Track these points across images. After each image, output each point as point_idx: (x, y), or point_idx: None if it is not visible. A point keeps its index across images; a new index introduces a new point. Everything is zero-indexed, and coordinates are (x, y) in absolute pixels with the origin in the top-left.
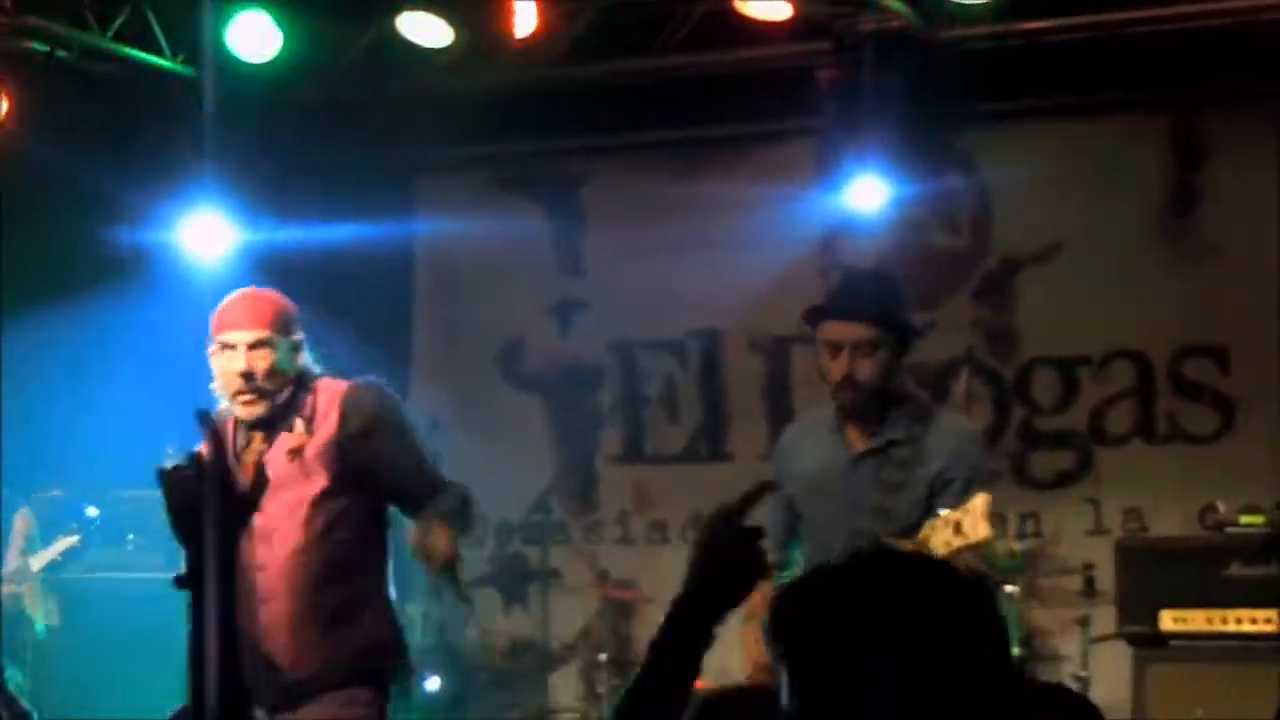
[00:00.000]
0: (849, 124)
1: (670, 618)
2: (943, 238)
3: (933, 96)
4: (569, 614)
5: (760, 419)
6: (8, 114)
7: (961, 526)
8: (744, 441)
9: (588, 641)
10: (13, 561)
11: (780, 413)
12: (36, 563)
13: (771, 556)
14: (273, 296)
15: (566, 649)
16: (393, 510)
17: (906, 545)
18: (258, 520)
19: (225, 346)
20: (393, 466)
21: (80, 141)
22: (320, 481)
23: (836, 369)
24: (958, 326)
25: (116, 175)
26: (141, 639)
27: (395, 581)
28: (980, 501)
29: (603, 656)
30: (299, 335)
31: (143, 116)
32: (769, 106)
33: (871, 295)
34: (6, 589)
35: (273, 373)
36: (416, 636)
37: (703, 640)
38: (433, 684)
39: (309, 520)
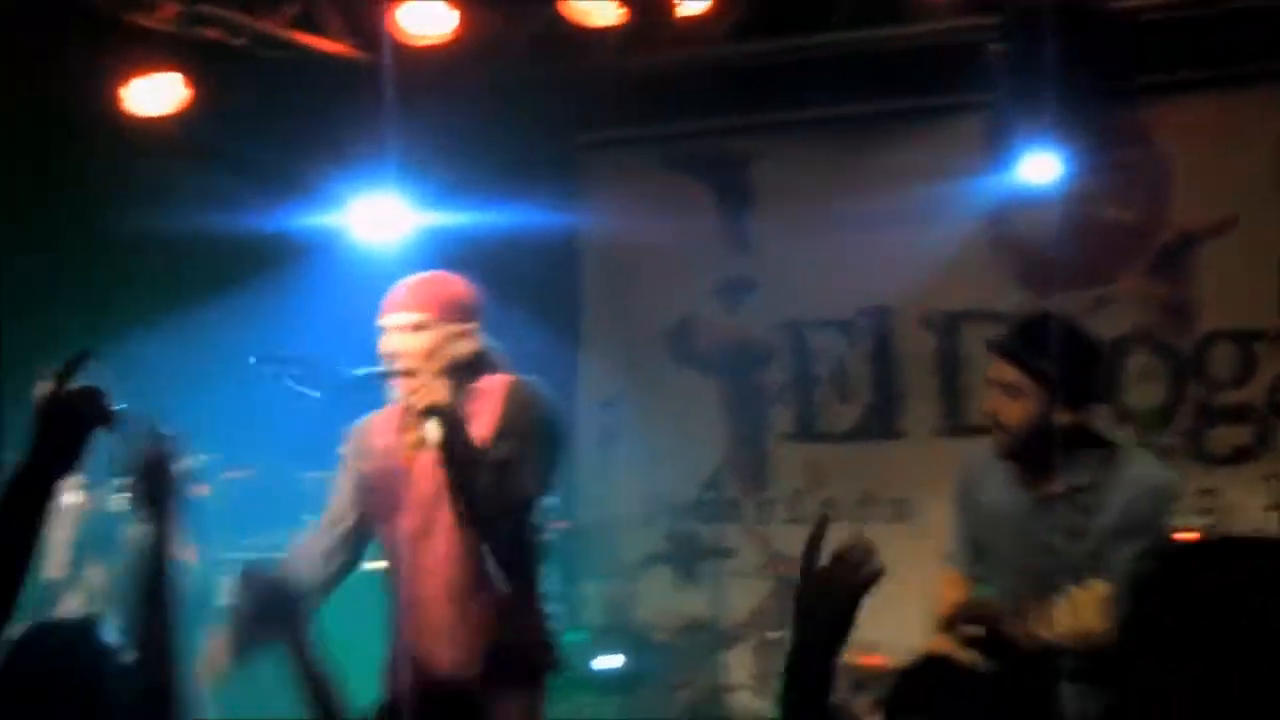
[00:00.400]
0: (1020, 98)
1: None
2: (1117, 212)
3: (1105, 69)
4: (742, 592)
5: (932, 396)
6: (189, 102)
7: (1076, 608)
8: (916, 419)
9: (761, 620)
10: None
11: (952, 390)
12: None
13: (965, 572)
14: (442, 281)
15: (739, 627)
16: (546, 501)
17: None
18: (417, 518)
19: (387, 329)
20: (514, 465)
21: (256, 128)
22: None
23: (987, 406)
24: (1132, 302)
25: (291, 161)
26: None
27: (569, 562)
28: (1095, 592)
29: (775, 635)
30: (468, 324)
31: (315, 101)
32: (939, 81)
33: (1032, 338)
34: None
35: (430, 354)
36: (592, 615)
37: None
38: (607, 663)
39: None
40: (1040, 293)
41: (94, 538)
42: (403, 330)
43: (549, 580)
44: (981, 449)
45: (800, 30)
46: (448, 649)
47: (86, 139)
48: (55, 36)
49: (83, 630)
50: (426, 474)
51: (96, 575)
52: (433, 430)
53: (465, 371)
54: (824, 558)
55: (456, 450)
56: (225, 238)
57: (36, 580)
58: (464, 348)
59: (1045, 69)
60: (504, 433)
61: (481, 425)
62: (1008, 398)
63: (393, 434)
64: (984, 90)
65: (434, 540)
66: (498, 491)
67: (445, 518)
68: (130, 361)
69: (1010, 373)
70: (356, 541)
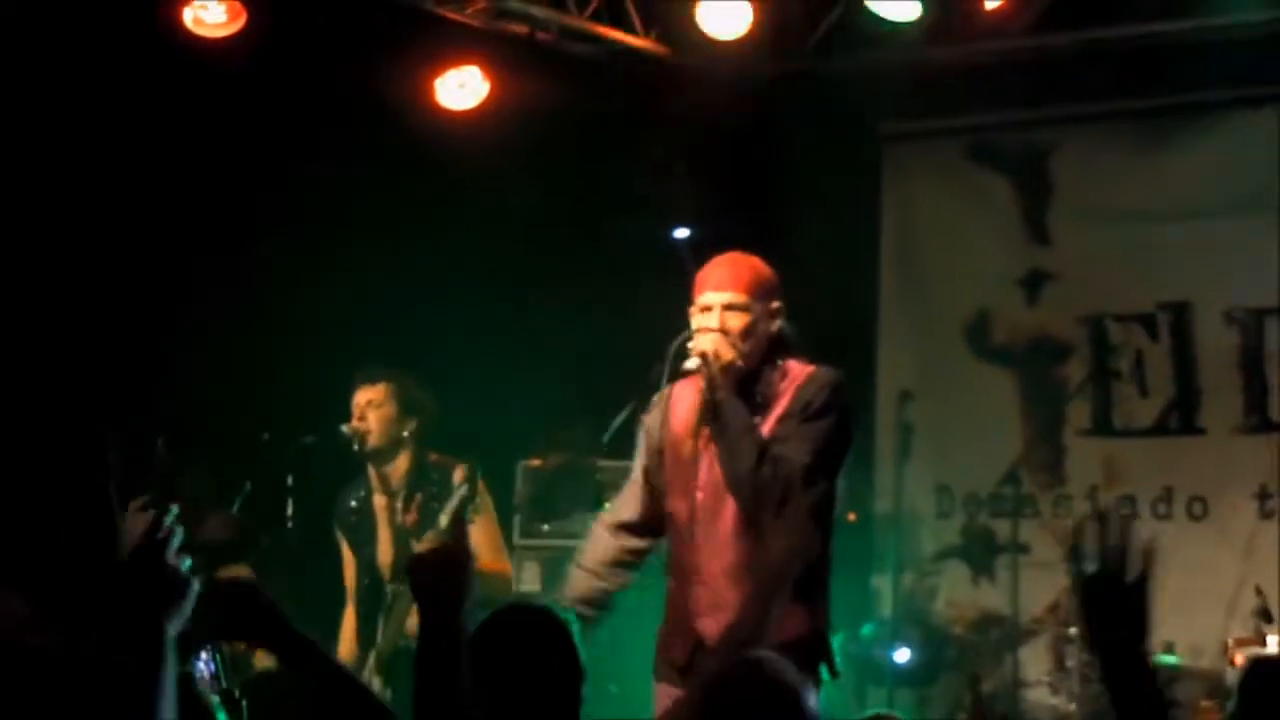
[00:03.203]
0: None
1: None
2: None
3: None
4: (1037, 588)
5: (1235, 392)
6: (490, 96)
7: None
8: (1217, 416)
9: (1057, 615)
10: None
11: (1255, 387)
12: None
13: None
14: (753, 262)
15: (1035, 622)
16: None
17: None
18: (706, 497)
19: (704, 308)
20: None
21: (558, 122)
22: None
23: None
24: None
25: (594, 157)
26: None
27: (864, 554)
28: None
29: (1072, 631)
30: (776, 303)
31: (617, 95)
32: (1242, 72)
33: None
34: None
35: (746, 333)
36: (886, 608)
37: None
38: (902, 655)
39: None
40: None
41: None
42: (719, 308)
43: (841, 571)
44: None
45: (1103, 21)
46: (726, 630)
47: (395, 134)
48: (367, 31)
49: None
50: (703, 454)
51: None
52: (693, 366)
53: (774, 350)
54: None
55: (721, 410)
56: (537, 233)
57: None
58: (773, 326)
59: None
60: (791, 413)
61: (779, 407)
62: None
63: (691, 411)
64: None
65: (720, 521)
66: (768, 466)
67: (733, 500)
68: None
69: None
70: (648, 524)
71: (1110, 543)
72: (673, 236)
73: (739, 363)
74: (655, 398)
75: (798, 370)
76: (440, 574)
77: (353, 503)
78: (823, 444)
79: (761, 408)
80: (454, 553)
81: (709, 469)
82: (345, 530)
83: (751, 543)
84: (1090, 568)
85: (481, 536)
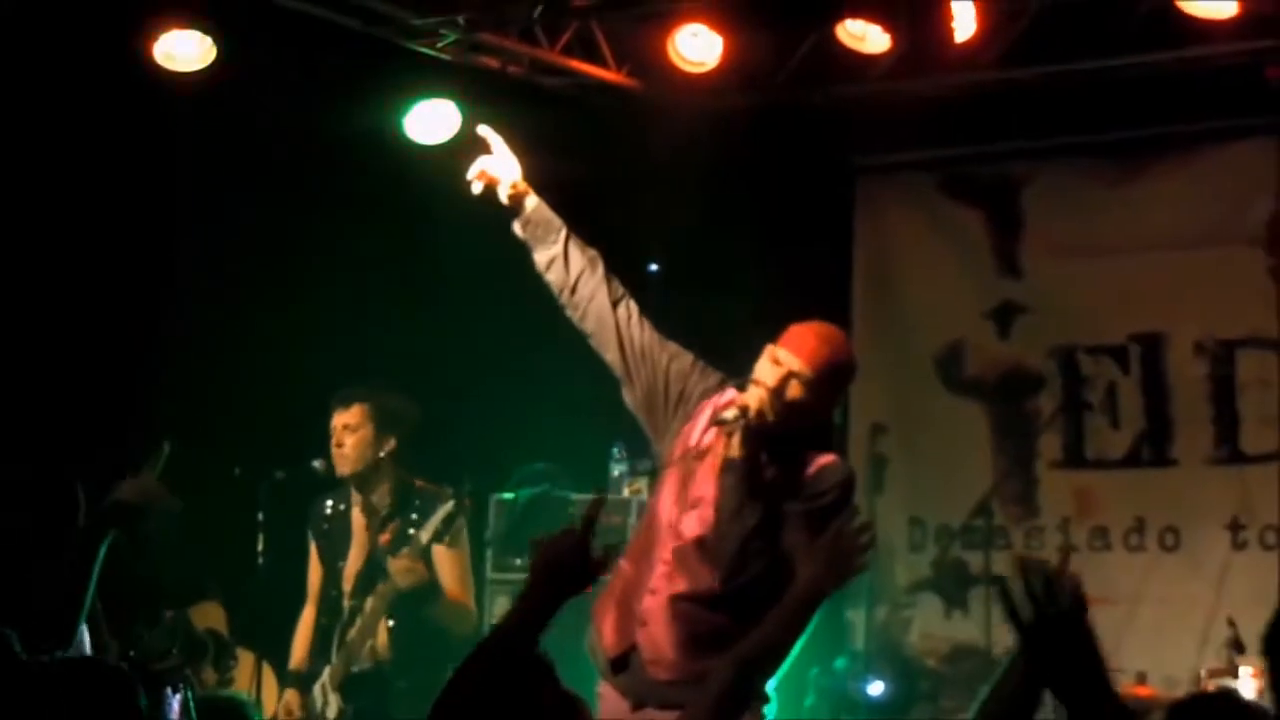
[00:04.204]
0: None
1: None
2: None
3: None
4: None
5: (1206, 424)
6: (463, 129)
7: None
8: (1189, 447)
9: None
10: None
11: (1226, 418)
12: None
13: None
14: (841, 346)
15: (1009, 654)
16: None
17: None
18: (679, 513)
19: (773, 360)
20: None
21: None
22: (750, 520)
23: None
24: None
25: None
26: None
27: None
28: None
29: None
30: (839, 394)
31: (589, 128)
32: (1213, 105)
33: None
34: None
35: (796, 405)
36: (859, 641)
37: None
38: (875, 688)
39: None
40: None
41: None
42: (792, 375)
43: None
44: None
45: (1074, 55)
46: (660, 647)
47: (367, 167)
48: (339, 65)
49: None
50: (709, 478)
51: None
52: (730, 417)
53: (812, 435)
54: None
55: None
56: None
57: None
58: (825, 414)
59: None
60: (800, 495)
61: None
62: None
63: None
64: (1260, 114)
65: (693, 562)
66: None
67: (701, 527)
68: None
69: None
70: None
71: (1035, 590)
72: (646, 271)
73: (771, 419)
74: (721, 384)
75: (821, 457)
76: (566, 560)
77: (328, 510)
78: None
79: (779, 477)
80: (586, 546)
81: (695, 484)
82: (317, 535)
83: (705, 610)
84: (1025, 617)
85: (453, 567)
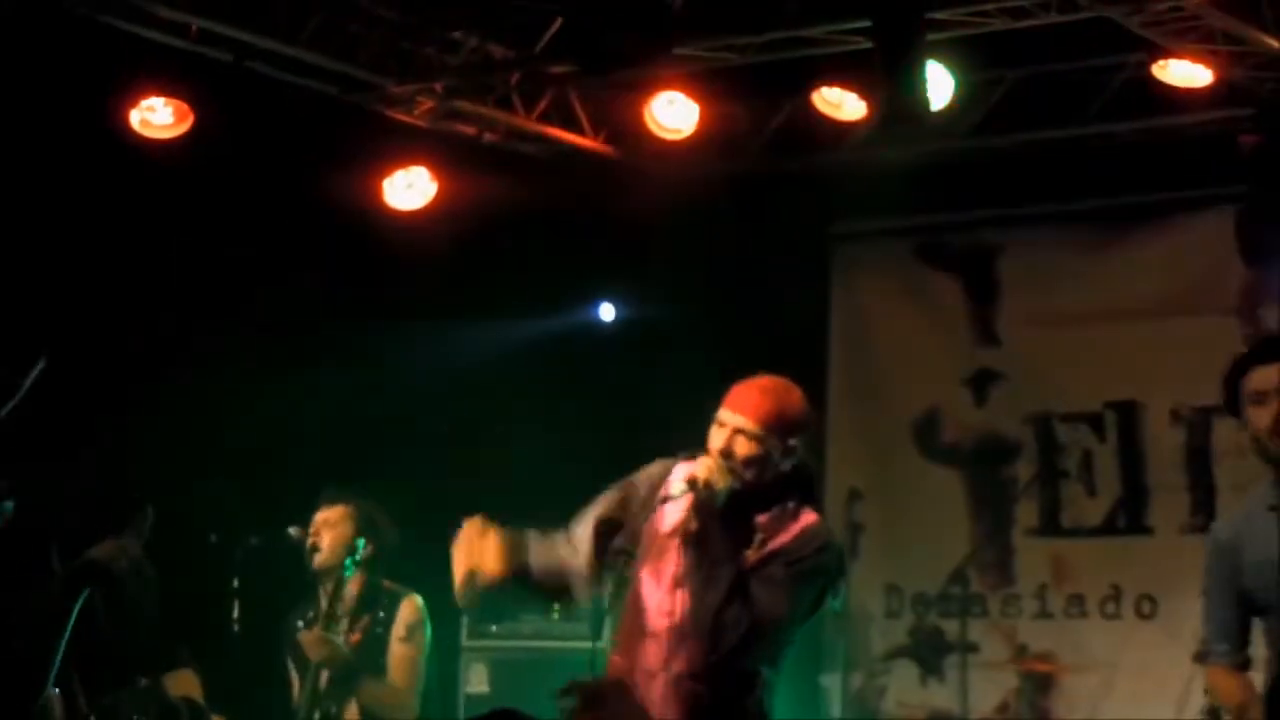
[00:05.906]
0: (1273, 190)
1: None
2: None
3: None
4: (987, 687)
5: (1182, 492)
6: (438, 195)
7: None
8: (1165, 515)
9: (1005, 715)
10: None
11: (1202, 486)
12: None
13: (1221, 648)
14: (785, 395)
15: None
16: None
17: None
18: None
19: (719, 424)
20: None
21: (506, 220)
22: (720, 590)
23: (1263, 416)
24: None
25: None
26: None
27: (812, 653)
28: None
29: None
30: (794, 441)
31: (565, 194)
32: (1189, 173)
33: None
34: None
35: (751, 462)
36: (835, 707)
37: None
38: None
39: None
40: None
41: None
42: (738, 432)
43: (789, 670)
44: (1229, 517)
45: (1050, 123)
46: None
47: (343, 234)
48: (314, 132)
49: None
50: (676, 555)
51: None
52: (681, 490)
53: (790, 486)
54: None
55: (700, 540)
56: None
57: None
58: (785, 466)
59: None
60: (782, 555)
61: (775, 543)
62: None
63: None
64: (1235, 182)
65: (674, 618)
66: (736, 605)
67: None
68: None
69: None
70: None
71: None
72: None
73: (735, 486)
74: (664, 465)
75: (803, 514)
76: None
77: (300, 626)
78: (799, 606)
79: (757, 537)
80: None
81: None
82: (291, 654)
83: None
84: None
85: (402, 659)
